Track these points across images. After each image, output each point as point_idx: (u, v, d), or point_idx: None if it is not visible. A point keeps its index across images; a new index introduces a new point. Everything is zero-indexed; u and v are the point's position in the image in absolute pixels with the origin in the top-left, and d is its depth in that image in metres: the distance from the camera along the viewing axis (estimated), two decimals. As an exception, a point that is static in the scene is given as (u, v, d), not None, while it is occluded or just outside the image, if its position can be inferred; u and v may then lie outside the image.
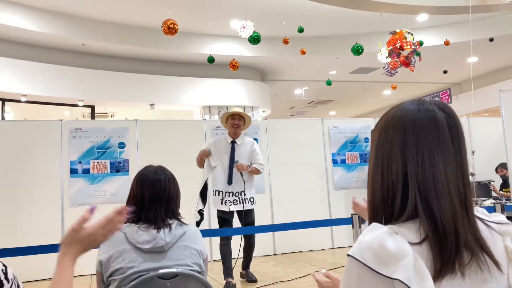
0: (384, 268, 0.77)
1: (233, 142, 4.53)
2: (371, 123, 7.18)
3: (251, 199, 4.51)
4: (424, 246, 0.81)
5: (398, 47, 6.37)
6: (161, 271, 1.69)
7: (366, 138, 7.10)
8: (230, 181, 4.45)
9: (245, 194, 4.47)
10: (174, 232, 1.79)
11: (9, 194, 5.53)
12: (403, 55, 6.58)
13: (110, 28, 9.47)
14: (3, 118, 9.66)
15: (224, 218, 4.49)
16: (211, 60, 7.82)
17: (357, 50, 7.31)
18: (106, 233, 1.12)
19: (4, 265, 0.72)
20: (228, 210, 4.46)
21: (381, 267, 0.77)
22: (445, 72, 11.45)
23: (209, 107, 11.46)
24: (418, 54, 6.99)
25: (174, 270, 1.71)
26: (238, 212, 4.53)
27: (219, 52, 9.95)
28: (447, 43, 8.50)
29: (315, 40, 10.49)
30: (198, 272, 1.79)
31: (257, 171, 4.54)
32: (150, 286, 1.68)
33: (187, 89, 11.01)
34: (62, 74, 9.60)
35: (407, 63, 6.60)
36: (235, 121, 4.48)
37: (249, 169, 4.49)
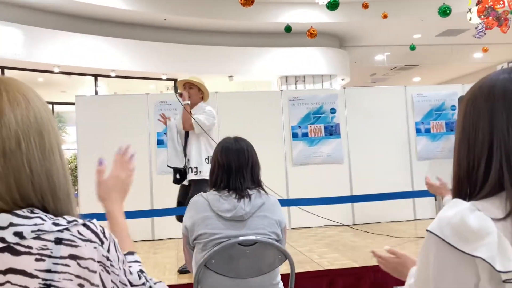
0: (464, 245, 0.75)
1: (188, 104, 4.10)
2: (458, 89, 6.74)
3: (195, 169, 4.02)
4: (510, 221, 0.77)
5: (489, 6, 5.82)
6: (241, 238, 1.78)
7: (453, 106, 6.68)
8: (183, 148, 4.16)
9: (189, 162, 4.07)
10: (254, 202, 1.87)
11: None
12: (495, 15, 6.01)
13: (190, 2, 9.71)
14: (96, 92, 10.43)
15: (180, 191, 4.21)
16: (288, 29, 7.74)
17: (445, 11, 6.81)
18: (127, 173, 1.16)
19: (101, 226, 0.81)
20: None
21: (461, 244, 0.75)
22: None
23: (286, 77, 11.41)
24: (514, 12, 6.34)
25: (253, 237, 1.79)
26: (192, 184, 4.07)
27: (296, 20, 9.80)
28: (550, -3, 7.60)
29: (398, 2, 9.92)
30: (276, 241, 1.86)
31: (186, 116, 3.99)
32: (231, 251, 1.78)
33: (264, 60, 11.04)
34: (146, 49, 10.08)
35: (498, 23, 6.03)
36: (186, 90, 4.13)
37: (185, 104, 4.02)
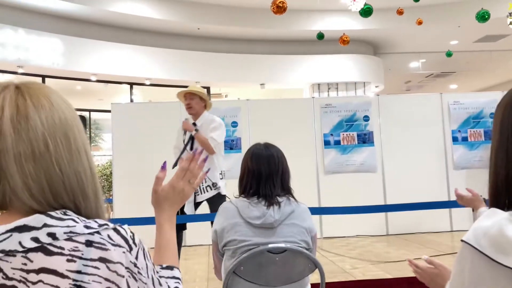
0: (502, 257, 0.71)
1: (194, 124, 3.93)
2: (498, 96, 6.50)
3: (213, 185, 3.85)
4: None
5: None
6: (270, 245, 1.76)
7: (492, 113, 6.45)
8: (175, 164, 3.86)
9: (205, 181, 3.83)
10: (283, 209, 1.85)
11: (138, 168, 6.12)
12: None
13: (222, 11, 9.83)
14: (131, 100, 10.68)
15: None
16: (320, 36, 7.70)
17: (483, 17, 6.61)
18: (188, 183, 1.10)
19: (131, 232, 0.82)
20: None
21: (499, 256, 0.71)
22: None
23: (318, 84, 11.35)
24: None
25: (283, 245, 1.77)
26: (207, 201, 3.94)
27: (328, 27, 9.75)
28: None
29: (433, 8, 9.71)
30: (306, 249, 1.83)
31: (204, 141, 3.76)
32: (260, 259, 1.76)
33: (296, 67, 11.03)
34: (180, 57, 10.27)
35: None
36: (186, 101, 3.93)
37: (196, 135, 3.81)
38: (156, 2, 9.40)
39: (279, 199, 1.88)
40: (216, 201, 3.73)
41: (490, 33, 10.70)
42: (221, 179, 3.88)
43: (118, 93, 11.43)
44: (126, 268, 0.77)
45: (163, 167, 1.10)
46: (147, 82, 10.47)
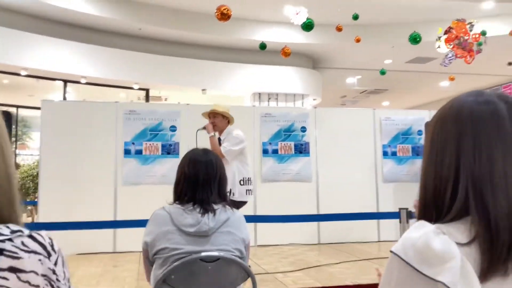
0: (427, 269, 0.74)
1: (219, 139, 4.39)
2: (425, 115, 6.92)
3: (229, 191, 4.14)
4: (473, 247, 0.76)
5: (455, 37, 6.05)
6: (203, 253, 1.73)
7: (420, 131, 6.85)
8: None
9: None
10: (218, 217, 1.82)
11: (68, 170, 5.82)
12: (466, 45, 6.25)
13: (166, 13, 9.67)
14: (64, 98, 10.17)
15: None
16: (263, 46, 7.79)
17: (415, 39, 7.02)
18: None
19: (50, 238, 0.76)
20: None
21: (424, 267, 0.74)
22: (510, 64, 10.80)
23: (259, 93, 11.47)
24: (480, 44, 6.62)
25: (216, 253, 1.74)
26: None
27: (271, 38, 9.90)
28: (513, 33, 7.97)
29: (370, 28, 10.19)
30: (239, 258, 1.81)
31: (215, 147, 4.17)
32: (192, 267, 1.72)
33: (238, 75, 11.08)
34: (119, 57, 9.95)
35: (465, 54, 6.27)
36: (211, 120, 4.38)
37: (210, 137, 4.24)
38: (97, -2, 9.05)
39: (215, 206, 1.85)
40: (235, 207, 3.86)
41: (421, 55, 11.40)
42: (242, 185, 4.24)
43: (51, 90, 10.84)
44: (43, 275, 0.71)
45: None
46: (83, 81, 10.02)
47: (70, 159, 5.83)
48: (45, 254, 0.72)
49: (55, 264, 0.74)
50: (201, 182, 1.87)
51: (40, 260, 0.71)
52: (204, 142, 4.10)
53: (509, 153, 0.81)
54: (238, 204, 4.11)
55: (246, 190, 4.26)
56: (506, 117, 0.83)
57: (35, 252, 0.71)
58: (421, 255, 0.75)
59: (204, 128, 4.32)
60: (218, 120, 4.35)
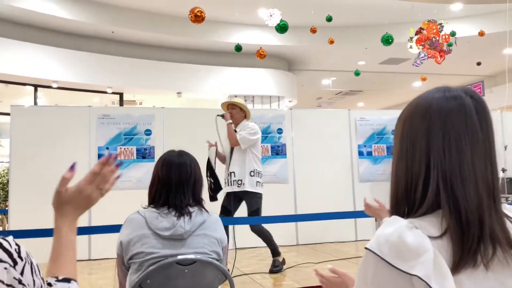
0: (402, 263, 0.74)
1: (235, 131, 4.62)
2: (399, 115, 7.03)
3: (239, 182, 4.43)
4: (445, 239, 0.77)
5: (426, 38, 6.19)
6: (179, 257, 1.70)
7: (393, 131, 6.96)
8: (228, 163, 4.56)
9: (234, 175, 4.46)
10: (194, 220, 1.80)
11: (40, 176, 5.68)
12: (438, 45, 6.39)
13: (139, 16, 9.57)
14: (35, 103, 9.93)
15: (224, 198, 4.57)
16: (238, 48, 7.79)
17: (387, 40, 7.15)
18: (98, 188, 1.02)
19: (17, 244, 0.72)
20: (227, 191, 4.55)
21: (399, 262, 0.74)
22: (478, 64, 11.10)
23: (235, 96, 11.45)
24: (450, 45, 6.78)
25: (192, 256, 1.72)
26: (233, 194, 4.50)
27: (246, 41, 9.91)
28: (481, 33, 8.21)
29: (344, 30, 10.32)
30: (217, 260, 1.79)
31: (229, 131, 4.45)
32: (169, 271, 1.69)
33: (213, 78, 11.04)
34: (92, 61, 9.78)
35: (436, 55, 6.41)
36: (229, 111, 4.63)
37: (228, 124, 4.46)
38: (68, 1, 8.86)
39: (190, 209, 1.82)
40: (249, 198, 4.46)
41: (394, 56, 11.61)
42: (252, 176, 4.44)
43: (21, 95, 10.58)
44: (8, 286, 0.68)
45: (72, 167, 1.00)
46: (54, 85, 9.81)
47: (42, 166, 5.68)
48: (11, 262, 0.69)
49: (22, 273, 0.70)
50: (174, 185, 1.83)
51: (6, 268, 0.68)
52: (222, 127, 4.50)
53: (477, 147, 0.83)
54: (251, 196, 4.42)
55: (257, 182, 4.47)
56: (473, 112, 0.84)
57: (1, 260, 0.68)
58: (396, 250, 0.75)
59: (223, 116, 4.55)
60: (236, 111, 4.58)
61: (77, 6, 8.97)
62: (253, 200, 4.47)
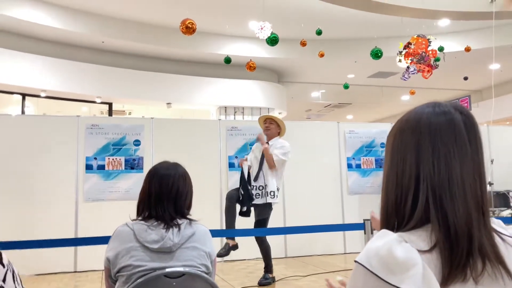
0: (391, 277, 0.74)
1: (267, 143, 4.86)
2: (388, 128, 7.09)
3: (271, 193, 4.63)
4: (434, 253, 0.78)
5: (415, 52, 6.28)
6: (168, 269, 1.68)
7: (382, 143, 7.01)
8: (256, 176, 4.72)
9: (264, 188, 4.65)
10: (183, 232, 1.78)
11: (26, 187, 5.61)
12: (427, 59, 6.47)
13: (129, 27, 9.57)
14: (23, 112, 9.83)
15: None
16: (228, 60, 7.81)
17: (376, 54, 7.23)
18: None
19: None
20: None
21: (388, 276, 0.74)
22: (465, 78, 11.25)
23: (225, 107, 11.48)
24: (437, 59, 6.88)
25: (181, 269, 1.70)
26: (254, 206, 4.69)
27: (236, 52, 9.96)
28: (468, 49, 8.35)
29: (334, 43, 10.43)
30: (205, 273, 1.78)
31: (267, 154, 4.66)
32: (157, 284, 1.67)
33: (203, 89, 11.05)
34: (81, 70, 9.73)
35: (425, 69, 6.50)
36: (266, 124, 4.88)
37: (265, 148, 4.68)
38: (57, 10, 8.83)
39: (179, 221, 1.81)
40: (263, 207, 4.62)
41: (382, 69, 11.74)
42: (278, 190, 4.73)
43: (8, 104, 10.46)
44: None
45: None
46: (43, 94, 9.73)
47: (28, 176, 5.61)
48: None
49: (4, 279, 0.69)
50: (154, 197, 1.81)
51: None
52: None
53: (466, 161, 0.84)
54: (266, 205, 4.62)
55: (277, 195, 4.73)
56: (462, 127, 0.86)
57: None
58: (385, 264, 0.75)
59: (258, 139, 4.84)
60: (273, 126, 4.88)
61: (68, 16, 8.94)
62: (265, 210, 4.65)
